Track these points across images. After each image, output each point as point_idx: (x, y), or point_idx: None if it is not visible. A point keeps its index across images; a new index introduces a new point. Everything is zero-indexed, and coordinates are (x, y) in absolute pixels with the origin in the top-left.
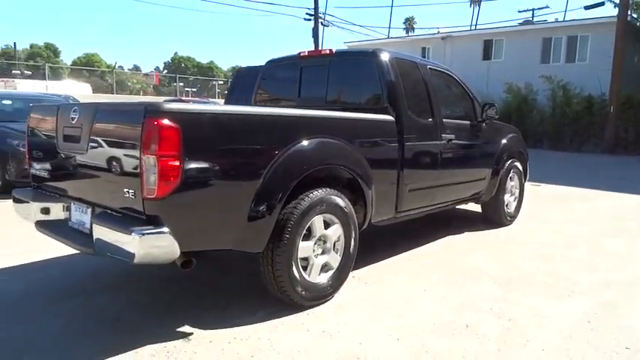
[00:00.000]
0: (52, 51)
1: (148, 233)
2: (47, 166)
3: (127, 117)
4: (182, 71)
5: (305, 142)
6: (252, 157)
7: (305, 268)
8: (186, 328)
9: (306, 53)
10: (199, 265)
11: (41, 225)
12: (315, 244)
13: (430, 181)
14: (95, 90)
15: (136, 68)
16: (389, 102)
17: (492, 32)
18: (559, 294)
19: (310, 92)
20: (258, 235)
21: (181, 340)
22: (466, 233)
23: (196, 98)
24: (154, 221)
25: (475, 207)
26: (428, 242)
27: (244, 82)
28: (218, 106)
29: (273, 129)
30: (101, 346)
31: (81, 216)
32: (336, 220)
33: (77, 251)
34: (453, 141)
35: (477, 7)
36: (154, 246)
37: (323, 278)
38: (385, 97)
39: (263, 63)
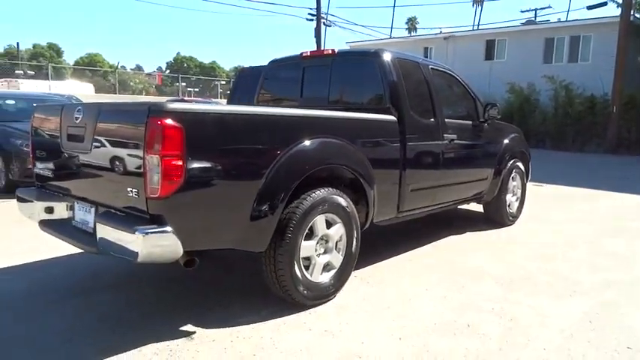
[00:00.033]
0: (54, 51)
1: (152, 232)
2: (51, 165)
3: (130, 117)
4: (184, 71)
5: (307, 142)
6: (255, 156)
7: (307, 268)
8: (188, 327)
9: (309, 53)
10: (202, 264)
11: (45, 224)
12: (317, 243)
13: (432, 181)
14: (98, 90)
15: (139, 68)
16: (391, 102)
17: (495, 32)
18: (560, 294)
19: (313, 92)
20: (261, 235)
21: (184, 338)
22: (468, 233)
23: (199, 98)
24: (157, 220)
25: (477, 207)
26: (430, 242)
27: (247, 82)
28: (221, 106)
29: (276, 129)
30: (104, 344)
31: (84, 215)
32: (338, 220)
33: (79, 250)
34: (455, 141)
35: (480, 7)
36: (158, 245)
37: (325, 278)
38: (387, 97)
39: (265, 63)
